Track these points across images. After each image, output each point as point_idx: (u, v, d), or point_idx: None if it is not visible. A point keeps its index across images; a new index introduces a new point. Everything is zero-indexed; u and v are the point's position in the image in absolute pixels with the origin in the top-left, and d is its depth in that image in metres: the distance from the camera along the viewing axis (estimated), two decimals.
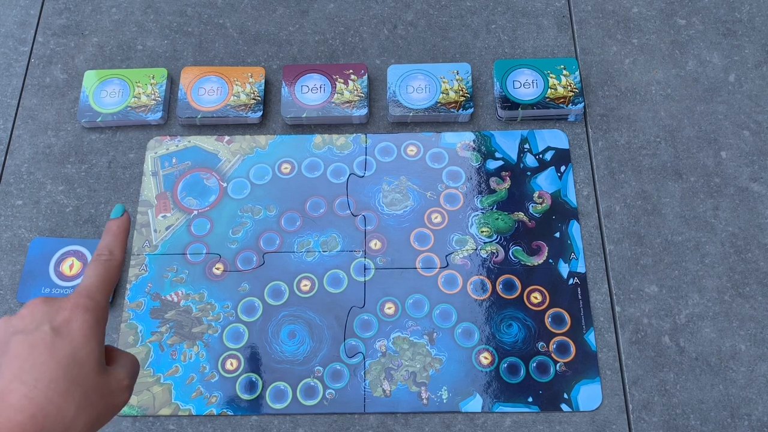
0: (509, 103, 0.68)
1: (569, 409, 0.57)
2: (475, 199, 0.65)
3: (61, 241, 0.64)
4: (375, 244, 0.64)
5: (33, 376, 0.35)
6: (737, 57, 0.71)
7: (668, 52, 0.72)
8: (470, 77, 0.69)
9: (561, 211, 0.65)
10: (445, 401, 0.58)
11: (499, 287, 0.62)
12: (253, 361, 0.59)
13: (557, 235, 0.64)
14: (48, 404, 0.34)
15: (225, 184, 0.67)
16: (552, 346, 0.59)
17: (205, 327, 0.61)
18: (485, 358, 0.59)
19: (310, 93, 0.69)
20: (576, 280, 0.62)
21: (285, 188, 0.67)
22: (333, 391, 0.58)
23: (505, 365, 0.59)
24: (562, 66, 0.69)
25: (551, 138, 0.68)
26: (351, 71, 0.70)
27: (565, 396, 0.58)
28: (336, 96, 0.68)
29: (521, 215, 0.65)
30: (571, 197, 0.65)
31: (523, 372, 0.59)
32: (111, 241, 0.43)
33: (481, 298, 0.61)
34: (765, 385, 0.58)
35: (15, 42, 0.74)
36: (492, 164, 0.67)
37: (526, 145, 0.68)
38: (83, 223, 0.65)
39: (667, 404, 0.57)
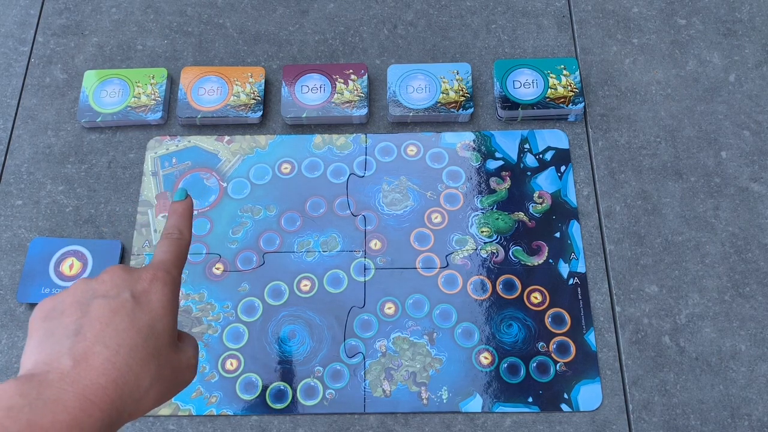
0: (509, 103, 0.68)
1: (569, 409, 0.57)
2: (475, 199, 0.65)
3: (60, 241, 0.64)
4: (375, 244, 0.64)
5: (116, 341, 0.34)
6: (737, 57, 0.71)
7: (668, 52, 0.72)
8: (470, 77, 0.69)
9: (561, 211, 0.65)
10: (445, 401, 0.58)
11: (499, 287, 0.62)
12: (253, 361, 0.59)
13: (557, 235, 0.64)
14: (128, 371, 0.33)
15: (225, 184, 0.67)
16: (552, 346, 0.59)
17: (205, 327, 0.61)
18: (485, 358, 0.59)
19: (310, 93, 0.69)
20: (576, 280, 0.62)
21: (285, 188, 0.66)
22: (333, 391, 0.58)
23: (505, 365, 0.59)
24: (562, 66, 0.69)
25: (551, 138, 0.68)
26: (351, 71, 0.70)
27: (565, 396, 0.58)
28: (336, 96, 0.68)
29: (521, 215, 0.65)
30: (571, 197, 0.65)
31: (523, 372, 0.59)
32: (178, 220, 0.43)
33: (481, 298, 0.61)
34: (765, 385, 0.58)
35: (15, 42, 0.74)
36: (492, 164, 0.67)
37: (526, 145, 0.68)
38: (83, 223, 0.65)
39: (667, 404, 0.57)
